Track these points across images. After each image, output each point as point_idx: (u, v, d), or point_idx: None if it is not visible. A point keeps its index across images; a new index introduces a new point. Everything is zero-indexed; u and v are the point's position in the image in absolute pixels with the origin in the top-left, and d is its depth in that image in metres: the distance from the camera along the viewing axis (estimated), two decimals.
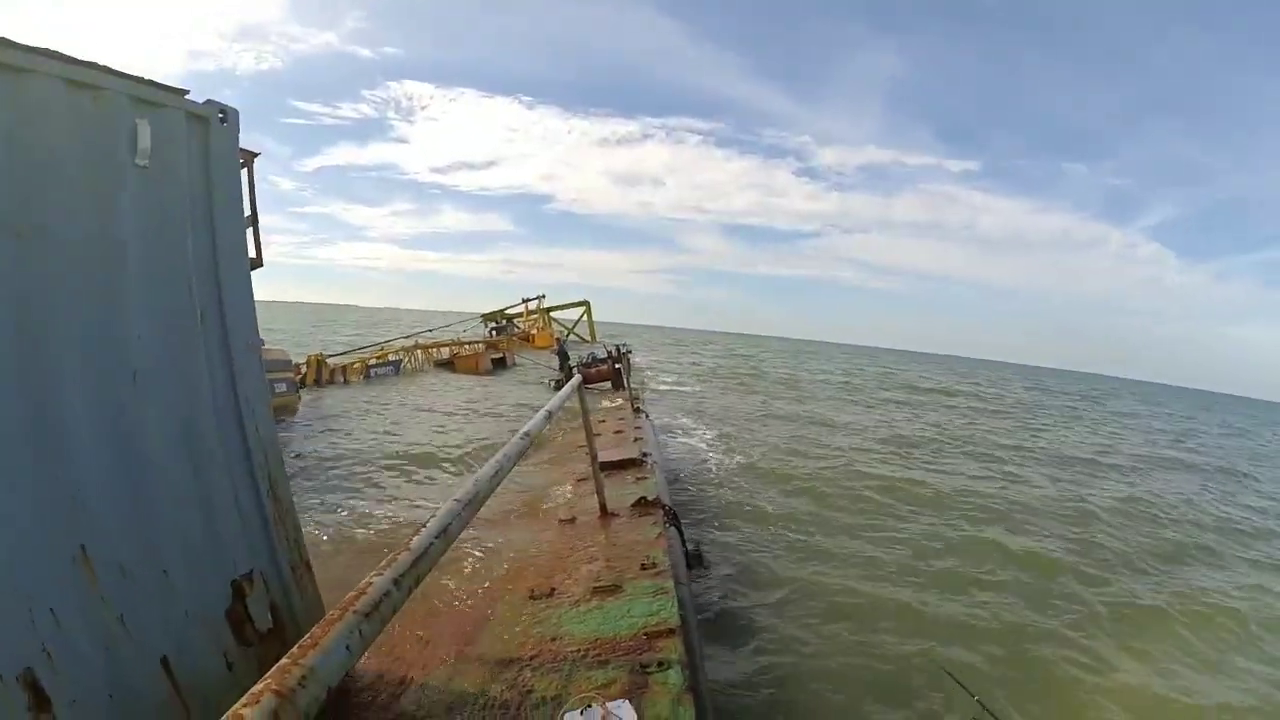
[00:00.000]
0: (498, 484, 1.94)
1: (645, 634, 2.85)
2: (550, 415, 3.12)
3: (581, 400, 5.04)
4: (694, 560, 5.48)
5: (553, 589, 3.59)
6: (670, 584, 3.56)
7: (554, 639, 2.91)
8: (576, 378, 4.97)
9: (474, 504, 1.68)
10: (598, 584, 3.60)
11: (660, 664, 2.56)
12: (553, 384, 19.67)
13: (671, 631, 2.87)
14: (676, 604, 3.25)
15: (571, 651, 2.75)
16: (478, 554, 4.74)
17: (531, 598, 3.49)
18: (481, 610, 3.47)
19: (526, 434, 2.56)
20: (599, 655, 2.69)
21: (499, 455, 2.13)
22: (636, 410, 10.03)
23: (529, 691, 2.49)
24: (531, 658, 2.75)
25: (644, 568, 3.84)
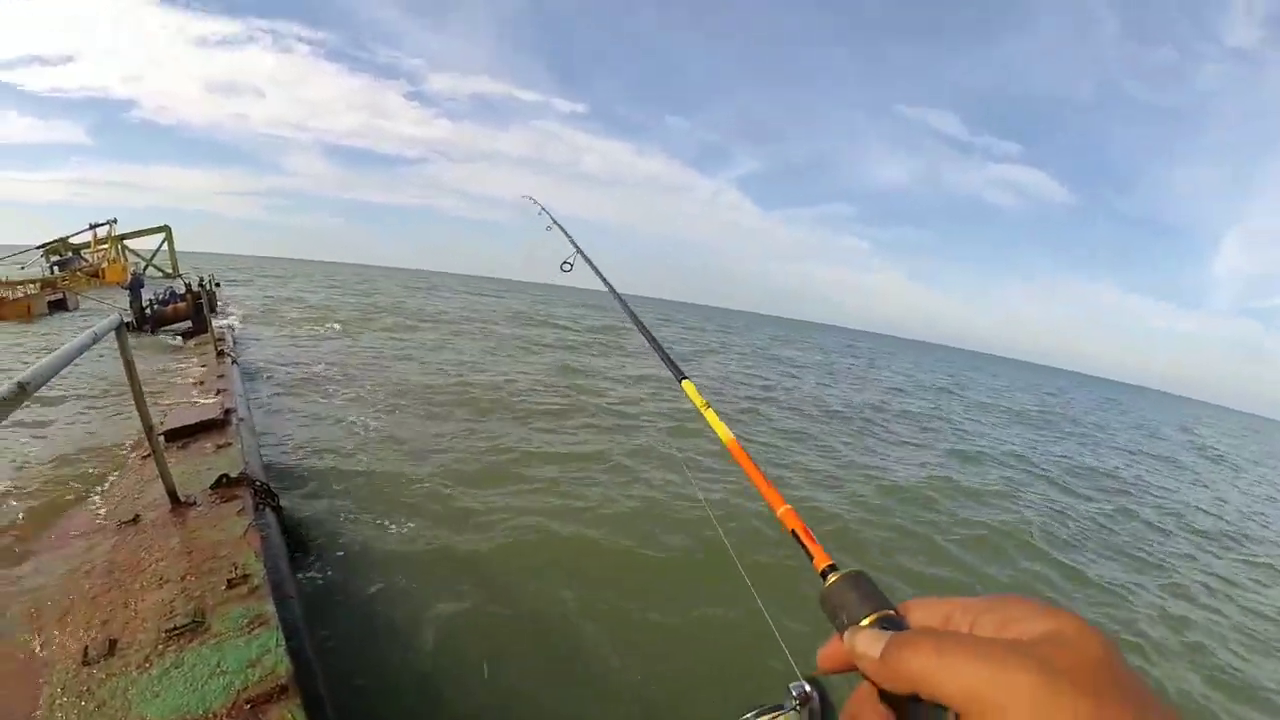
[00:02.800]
0: None
1: (246, 700, 2.44)
2: (37, 379, 2.20)
3: (122, 346, 3.84)
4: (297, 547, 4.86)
5: (113, 641, 2.86)
6: (270, 607, 3.05)
7: None
8: (113, 316, 3.82)
9: None
10: (172, 623, 2.94)
11: None
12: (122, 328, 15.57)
13: (282, 689, 2.49)
14: (282, 638, 2.82)
15: None
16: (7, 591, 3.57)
17: (85, 662, 2.73)
18: (18, 693, 2.65)
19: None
20: None
21: None
22: (221, 355, 8.28)
23: None
24: None
25: (231, 584, 3.24)
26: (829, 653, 0.49)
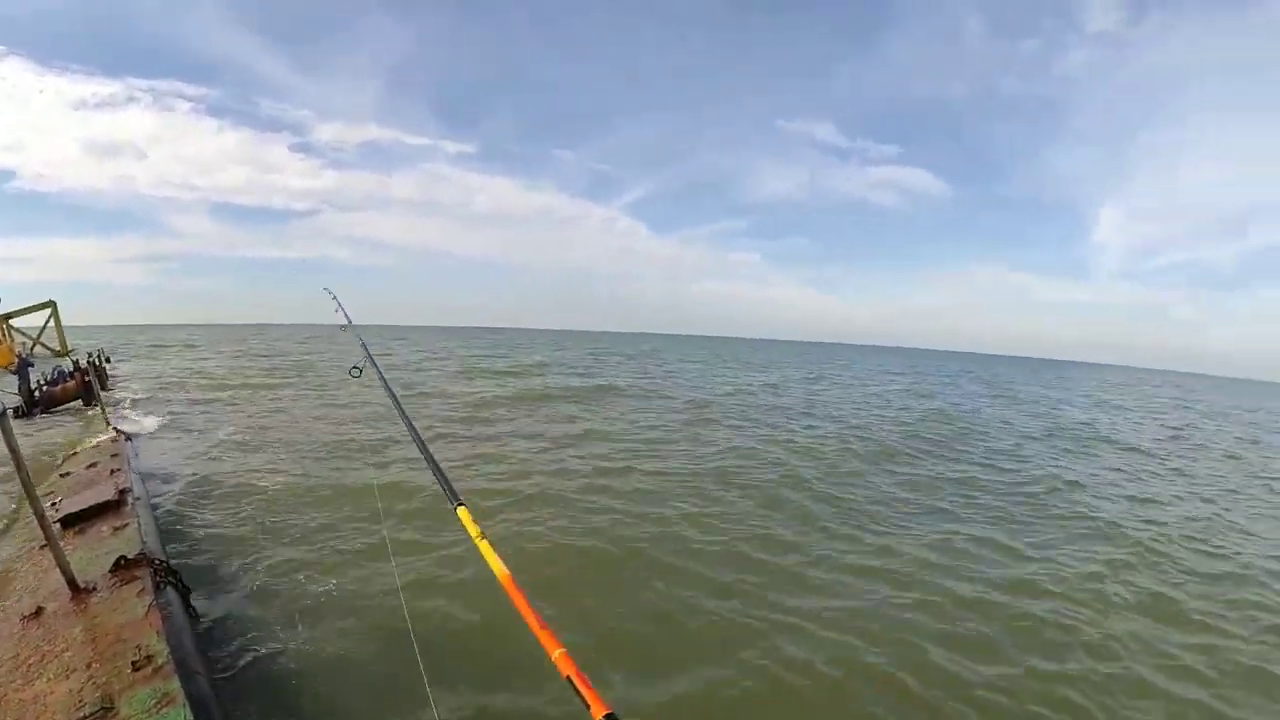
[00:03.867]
0: None
1: None
2: None
3: (6, 435, 3.69)
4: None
5: None
6: (175, 685, 3.19)
7: None
8: None
9: None
10: (81, 713, 3.04)
11: None
12: (11, 412, 14.82)
13: None
14: (190, 714, 2.96)
15: None
16: None
17: None
18: None
19: None
20: None
21: None
22: (116, 432, 8.19)
23: None
24: None
25: (136, 666, 3.34)
26: None
